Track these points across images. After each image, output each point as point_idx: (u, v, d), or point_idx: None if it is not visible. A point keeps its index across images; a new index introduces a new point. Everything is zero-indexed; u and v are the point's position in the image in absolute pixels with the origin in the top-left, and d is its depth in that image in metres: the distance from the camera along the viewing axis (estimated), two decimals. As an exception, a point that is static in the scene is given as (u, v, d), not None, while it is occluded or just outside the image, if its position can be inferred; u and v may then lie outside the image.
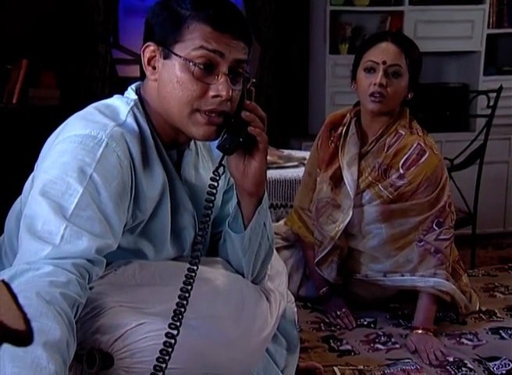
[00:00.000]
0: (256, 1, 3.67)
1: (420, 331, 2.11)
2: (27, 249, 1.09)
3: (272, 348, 1.54)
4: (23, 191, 1.35)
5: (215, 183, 1.24)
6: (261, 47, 3.75)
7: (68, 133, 1.20)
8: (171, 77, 1.22)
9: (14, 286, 1.01)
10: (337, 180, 2.22)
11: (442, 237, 2.13)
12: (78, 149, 1.16)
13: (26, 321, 0.52)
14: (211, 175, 1.25)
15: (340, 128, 2.26)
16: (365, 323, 2.28)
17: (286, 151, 2.93)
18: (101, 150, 1.17)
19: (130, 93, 1.31)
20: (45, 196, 1.12)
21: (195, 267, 1.15)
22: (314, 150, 2.36)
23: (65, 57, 3.50)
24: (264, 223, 1.39)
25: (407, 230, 2.15)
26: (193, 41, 1.20)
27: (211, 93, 1.21)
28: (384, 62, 2.09)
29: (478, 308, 2.34)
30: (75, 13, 3.47)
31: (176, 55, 1.20)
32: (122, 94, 1.34)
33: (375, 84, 2.08)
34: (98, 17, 3.46)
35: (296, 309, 1.69)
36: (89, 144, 1.17)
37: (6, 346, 0.54)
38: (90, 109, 1.27)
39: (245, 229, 1.35)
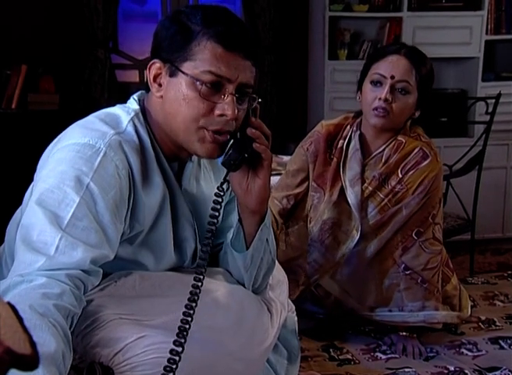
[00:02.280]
0: (255, 6, 3.67)
1: (403, 333, 2.12)
2: (22, 260, 1.08)
3: (272, 358, 1.53)
4: (23, 201, 1.34)
5: (220, 199, 1.24)
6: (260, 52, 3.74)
7: (66, 141, 1.20)
8: (177, 95, 1.20)
9: (8, 299, 1.00)
10: (341, 200, 2.08)
11: (429, 266, 2.03)
12: (76, 158, 1.16)
13: (32, 344, 0.51)
14: (216, 191, 1.24)
15: (341, 141, 2.12)
16: (366, 329, 2.27)
17: (286, 158, 2.92)
18: (98, 159, 1.16)
19: (132, 103, 1.30)
20: (41, 205, 1.12)
21: (199, 283, 1.15)
22: (301, 153, 2.20)
23: (64, 62, 3.49)
24: (267, 239, 1.37)
25: (388, 237, 2.04)
26: (203, 63, 1.18)
27: (217, 112, 1.19)
28: (392, 77, 1.97)
29: (469, 311, 2.24)
30: (74, 18, 3.46)
31: (184, 73, 1.19)
32: (123, 100, 1.33)
33: (379, 99, 1.96)
34: (97, 22, 3.45)
35: (296, 318, 1.69)
36: (87, 153, 1.16)
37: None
38: (91, 118, 1.26)
39: (247, 247, 1.33)
